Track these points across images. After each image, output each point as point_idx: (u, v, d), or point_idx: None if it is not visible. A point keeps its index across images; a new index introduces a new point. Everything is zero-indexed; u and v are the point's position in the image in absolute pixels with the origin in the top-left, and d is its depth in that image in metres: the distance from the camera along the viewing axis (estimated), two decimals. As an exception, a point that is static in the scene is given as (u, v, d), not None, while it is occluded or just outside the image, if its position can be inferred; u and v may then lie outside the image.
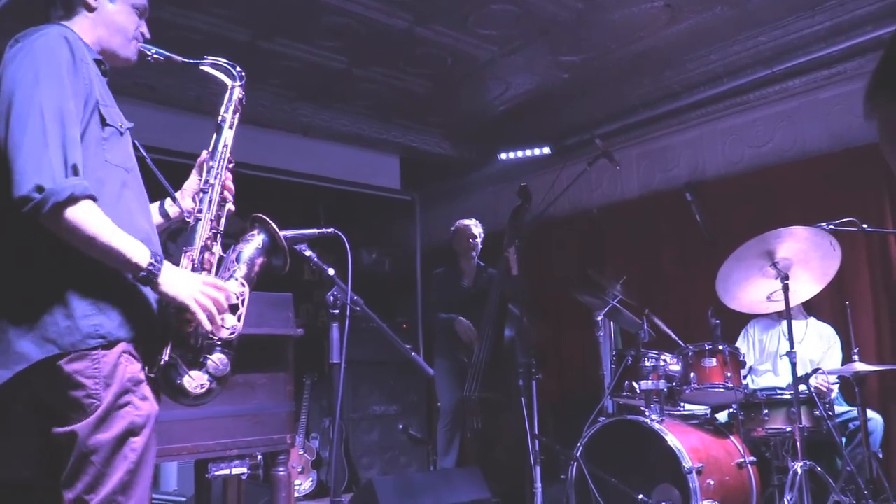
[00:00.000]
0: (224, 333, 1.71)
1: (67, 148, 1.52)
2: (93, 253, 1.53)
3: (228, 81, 2.02)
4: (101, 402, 1.52)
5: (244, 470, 2.82)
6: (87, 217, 1.50)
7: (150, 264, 1.57)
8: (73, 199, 1.48)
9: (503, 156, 6.02)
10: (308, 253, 2.24)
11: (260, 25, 4.11)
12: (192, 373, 1.65)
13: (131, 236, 1.57)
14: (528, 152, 5.94)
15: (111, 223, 1.54)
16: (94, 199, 1.53)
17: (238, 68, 2.04)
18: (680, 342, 3.92)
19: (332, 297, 2.25)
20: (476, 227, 4.87)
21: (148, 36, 1.88)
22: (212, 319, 1.65)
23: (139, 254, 1.56)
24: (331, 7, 3.90)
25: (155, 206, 1.97)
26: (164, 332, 1.65)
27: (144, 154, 1.83)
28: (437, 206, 6.99)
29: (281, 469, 2.87)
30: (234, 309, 1.75)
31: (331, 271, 2.26)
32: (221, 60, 2.03)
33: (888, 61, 0.83)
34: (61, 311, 1.53)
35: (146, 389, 1.61)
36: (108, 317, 1.56)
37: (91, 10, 1.75)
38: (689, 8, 4.00)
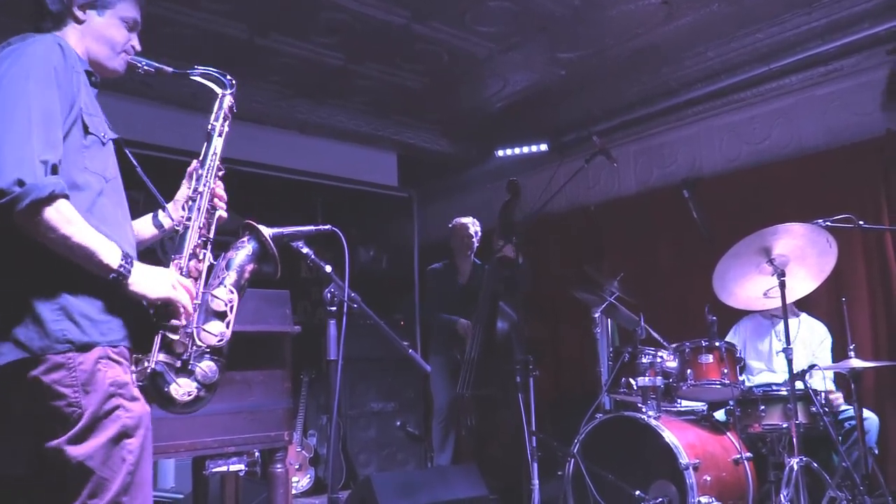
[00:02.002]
0: (212, 341, 1.71)
1: (49, 147, 1.52)
2: (65, 252, 1.53)
3: (219, 90, 2.02)
4: (83, 410, 1.52)
5: (241, 467, 2.82)
6: (62, 216, 1.50)
7: (121, 265, 1.58)
8: (52, 198, 1.48)
9: (500, 153, 6.02)
10: (305, 250, 2.24)
11: (256, 22, 4.10)
12: (179, 380, 1.65)
13: (104, 236, 1.57)
14: (526, 149, 5.94)
15: (85, 223, 1.55)
16: (68, 198, 1.53)
17: (228, 77, 2.04)
18: (665, 344, 3.92)
19: (329, 294, 2.25)
20: (473, 226, 4.87)
21: (138, 49, 1.89)
22: (186, 309, 1.67)
23: (110, 254, 1.57)
24: (327, 3, 3.89)
25: (148, 217, 1.99)
26: (148, 337, 1.65)
27: (135, 164, 1.84)
28: (434, 203, 6.98)
29: (278, 466, 2.87)
30: (222, 316, 1.76)
31: (328, 268, 2.26)
32: (211, 70, 2.03)
33: None
34: (30, 316, 1.52)
35: (134, 390, 1.61)
36: (74, 322, 1.55)
37: (79, 22, 1.77)
38: (687, 5, 4.00)
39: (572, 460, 3.60)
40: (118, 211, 1.75)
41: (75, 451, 1.51)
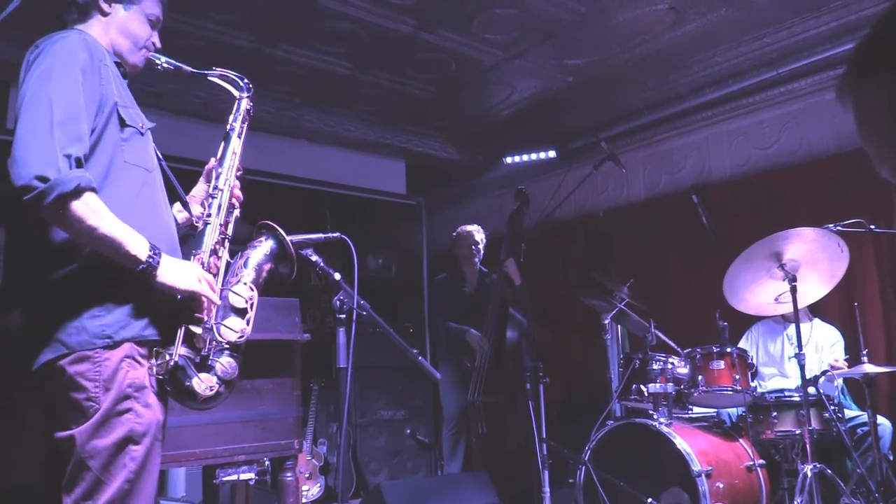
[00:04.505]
0: (233, 337, 1.71)
1: (73, 141, 1.53)
2: (92, 245, 1.54)
3: (236, 93, 2.05)
4: (99, 405, 1.53)
5: (252, 475, 2.83)
6: (89, 209, 1.51)
7: (150, 256, 1.58)
8: (78, 192, 1.49)
9: (508, 160, 6.02)
10: (314, 258, 2.25)
11: (264, 32, 4.13)
12: (201, 375, 1.65)
13: (131, 228, 1.58)
14: (534, 156, 5.94)
15: (112, 216, 1.55)
16: (96, 191, 1.54)
17: (246, 80, 2.07)
18: (679, 350, 3.90)
19: (338, 302, 2.26)
20: (478, 234, 4.87)
21: (159, 46, 1.92)
22: (211, 302, 1.68)
23: (138, 246, 1.57)
24: (334, 13, 3.91)
25: None
26: (173, 330, 1.65)
27: (160, 157, 1.86)
28: (442, 210, 6.99)
29: (288, 474, 2.87)
30: (242, 312, 1.76)
31: (337, 276, 2.26)
32: (230, 72, 2.06)
33: (863, 46, 0.83)
34: (69, 311, 1.54)
35: (150, 397, 1.61)
36: (115, 316, 1.57)
37: (104, 14, 1.79)
38: (694, 10, 3.99)
39: (583, 467, 3.58)
40: (160, 201, 1.77)
41: (81, 445, 1.51)
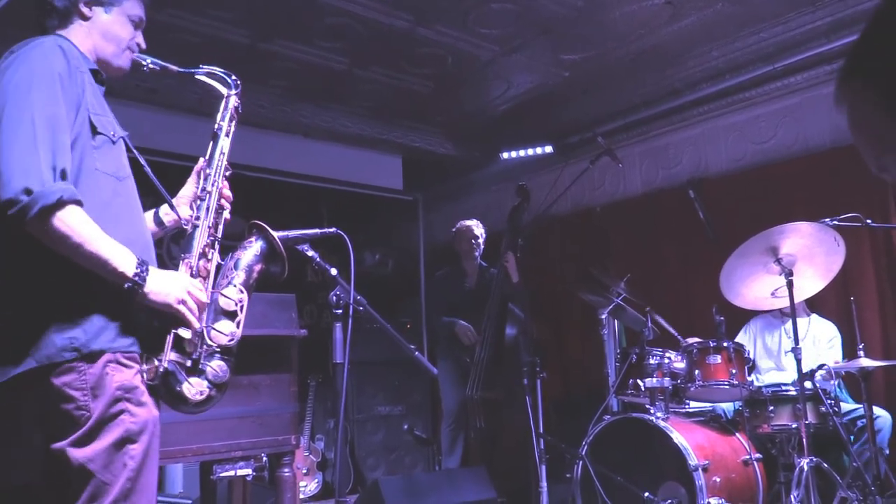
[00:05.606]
0: (223, 340, 1.71)
1: (57, 153, 1.51)
2: (78, 260, 1.52)
3: (224, 90, 2.02)
4: (91, 413, 1.52)
5: (249, 471, 2.82)
6: (74, 223, 1.49)
7: (136, 274, 1.56)
8: (60, 204, 1.47)
9: (505, 155, 6.02)
10: (311, 253, 2.24)
11: (260, 27, 4.11)
12: (191, 380, 1.65)
13: (118, 243, 1.56)
14: (530, 151, 5.93)
15: (98, 230, 1.53)
16: (80, 204, 1.52)
17: (234, 77, 2.03)
18: (680, 339, 3.91)
19: (335, 298, 2.25)
20: (478, 228, 4.86)
21: (144, 46, 1.88)
22: (197, 317, 1.67)
23: (125, 262, 1.55)
24: (331, 8, 3.90)
25: (150, 213, 1.97)
26: (160, 338, 1.65)
27: (142, 161, 1.83)
28: (439, 206, 6.98)
29: (286, 470, 2.87)
30: (232, 315, 1.75)
31: (333, 271, 2.26)
32: (217, 69, 2.02)
33: (858, 49, 0.83)
34: (36, 324, 1.52)
35: (142, 395, 1.60)
36: (83, 329, 1.54)
37: (85, 19, 1.76)
38: (691, 5, 3.99)
39: (581, 462, 3.58)
40: (132, 210, 1.74)
41: (77, 454, 1.51)
